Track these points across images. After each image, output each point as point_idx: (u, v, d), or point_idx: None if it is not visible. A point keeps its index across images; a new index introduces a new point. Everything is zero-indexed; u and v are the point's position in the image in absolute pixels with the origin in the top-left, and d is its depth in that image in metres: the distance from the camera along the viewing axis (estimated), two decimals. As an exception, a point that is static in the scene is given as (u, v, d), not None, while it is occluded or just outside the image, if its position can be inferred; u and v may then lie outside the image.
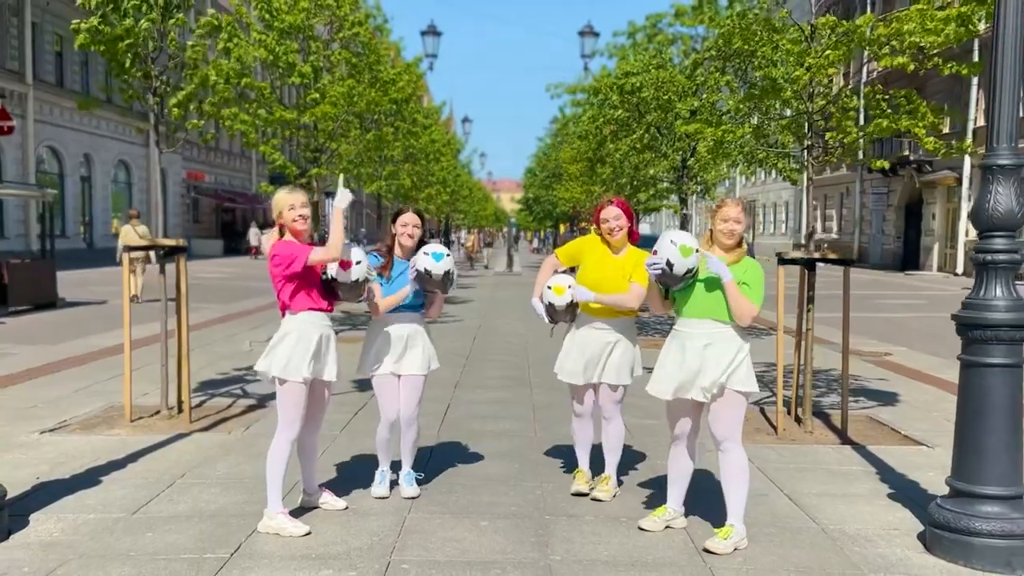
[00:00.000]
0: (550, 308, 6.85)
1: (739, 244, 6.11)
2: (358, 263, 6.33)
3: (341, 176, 7.04)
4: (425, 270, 6.64)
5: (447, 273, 6.71)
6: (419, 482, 7.14)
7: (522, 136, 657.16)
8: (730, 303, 5.89)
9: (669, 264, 5.85)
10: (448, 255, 6.78)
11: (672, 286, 6.03)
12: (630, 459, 8.10)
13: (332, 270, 6.28)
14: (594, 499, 7.03)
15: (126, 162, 50.44)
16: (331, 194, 18.25)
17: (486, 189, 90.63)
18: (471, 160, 62.09)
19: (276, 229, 6.30)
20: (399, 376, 6.96)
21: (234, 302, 23.83)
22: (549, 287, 6.85)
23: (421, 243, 6.99)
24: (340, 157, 18.01)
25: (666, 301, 6.27)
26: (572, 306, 6.84)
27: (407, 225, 6.94)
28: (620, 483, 7.36)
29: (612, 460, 7.25)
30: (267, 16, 15.63)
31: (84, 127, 45.29)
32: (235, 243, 63.51)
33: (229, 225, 67.40)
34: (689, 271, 5.88)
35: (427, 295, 6.93)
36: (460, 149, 41.07)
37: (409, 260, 6.86)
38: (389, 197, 23.72)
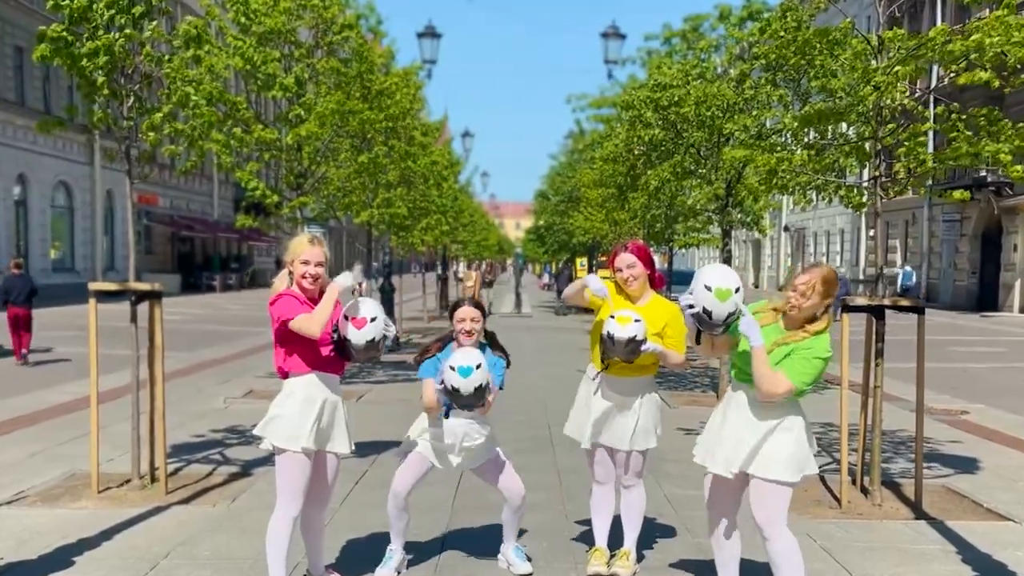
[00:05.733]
0: (608, 340, 6.81)
1: (813, 319, 6.10)
2: (373, 320, 6.44)
3: (358, 265, 7.03)
4: (452, 387, 6.67)
5: (479, 389, 6.70)
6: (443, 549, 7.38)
7: (530, 151, 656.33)
8: (753, 372, 5.97)
9: (706, 312, 5.97)
10: (479, 366, 6.74)
11: (715, 333, 6.16)
12: (669, 534, 8.40)
13: (345, 330, 6.42)
14: None
15: (67, 183, 50.71)
16: (312, 221, 18.47)
17: (489, 215, 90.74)
18: (471, 182, 62.21)
19: (286, 272, 6.58)
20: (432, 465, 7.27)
21: (199, 350, 24.07)
22: (613, 316, 6.84)
23: (488, 336, 7.26)
24: (328, 183, 18.19)
25: (716, 346, 6.47)
26: (635, 342, 6.77)
27: (464, 321, 7.10)
28: (642, 557, 7.66)
29: (633, 533, 7.54)
30: (243, 19, 15.84)
31: (18, 143, 45.60)
32: (195, 278, 63.47)
33: (187, 257, 67.50)
34: (731, 315, 5.97)
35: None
36: (461, 169, 41.25)
37: None
38: (382, 228, 23.90)
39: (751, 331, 5.95)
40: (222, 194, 71.36)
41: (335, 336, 6.47)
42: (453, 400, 6.76)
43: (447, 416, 6.97)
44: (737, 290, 5.96)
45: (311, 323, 6.26)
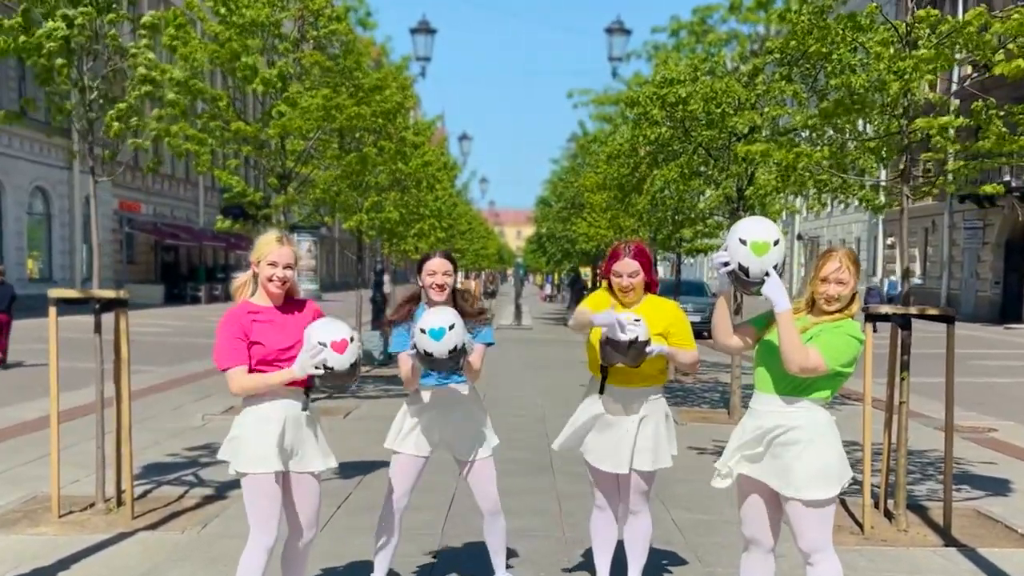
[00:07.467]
0: (609, 346, 6.50)
1: (847, 307, 5.79)
2: (352, 340, 5.99)
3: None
4: (425, 352, 6.35)
5: (454, 351, 6.37)
6: None
7: (530, 158, 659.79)
8: (781, 340, 5.61)
9: (742, 268, 5.63)
10: (451, 327, 6.38)
11: (752, 292, 5.84)
12: (679, 563, 8.16)
13: (322, 358, 5.88)
14: None
15: (44, 189, 50.42)
16: (297, 228, 18.21)
17: (488, 222, 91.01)
18: (469, 187, 62.16)
19: (250, 275, 6.21)
20: (424, 458, 7.03)
21: (179, 364, 23.87)
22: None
23: (455, 294, 6.93)
24: (313, 185, 17.94)
25: (737, 331, 6.09)
26: (638, 343, 6.44)
27: (435, 274, 6.81)
28: None
29: (638, 563, 7.25)
30: (223, 10, 15.59)
31: (-8, 146, 45.26)
32: (179, 289, 63.37)
33: (171, 266, 67.54)
34: (772, 271, 5.62)
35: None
36: (458, 173, 41.06)
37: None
38: (372, 234, 23.66)
39: (777, 294, 5.60)
40: (208, 201, 71.22)
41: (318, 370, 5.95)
42: (428, 366, 6.47)
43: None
44: (776, 243, 5.60)
45: (241, 384, 5.97)
